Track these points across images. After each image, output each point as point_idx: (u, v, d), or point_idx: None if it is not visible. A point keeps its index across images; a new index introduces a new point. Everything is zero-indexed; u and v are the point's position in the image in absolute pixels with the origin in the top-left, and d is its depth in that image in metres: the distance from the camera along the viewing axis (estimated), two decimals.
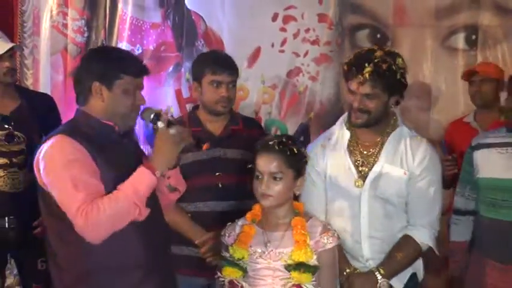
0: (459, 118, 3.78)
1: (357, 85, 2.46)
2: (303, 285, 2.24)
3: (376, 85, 2.43)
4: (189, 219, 2.86)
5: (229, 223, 2.45)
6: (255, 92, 4.21)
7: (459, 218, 2.87)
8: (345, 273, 2.51)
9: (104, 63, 2.25)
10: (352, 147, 2.60)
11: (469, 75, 3.67)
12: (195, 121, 2.95)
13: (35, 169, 2.19)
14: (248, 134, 2.96)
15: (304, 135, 4.17)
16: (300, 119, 4.24)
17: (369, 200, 2.52)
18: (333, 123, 4.05)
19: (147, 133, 4.22)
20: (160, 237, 2.35)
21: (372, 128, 2.55)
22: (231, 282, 2.31)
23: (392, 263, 2.52)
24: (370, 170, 2.54)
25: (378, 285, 2.48)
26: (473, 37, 3.99)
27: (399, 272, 2.54)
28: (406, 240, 2.54)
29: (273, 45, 4.21)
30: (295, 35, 4.20)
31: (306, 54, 4.20)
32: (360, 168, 2.56)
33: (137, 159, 2.29)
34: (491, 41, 3.97)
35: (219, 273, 2.35)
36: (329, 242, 2.31)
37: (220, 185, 2.88)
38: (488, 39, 3.97)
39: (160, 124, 2.23)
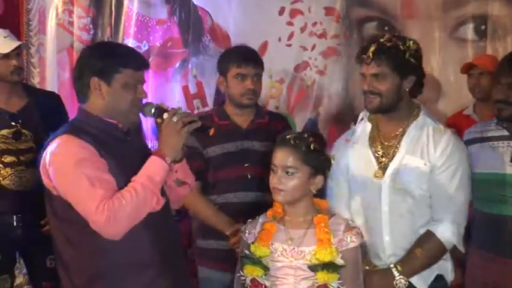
0: (459, 111, 3.76)
1: (365, 66, 2.43)
2: (328, 285, 2.20)
3: (381, 63, 2.40)
4: (217, 211, 2.90)
5: (250, 220, 2.41)
6: (262, 87, 4.14)
7: None
8: (363, 269, 2.41)
9: (101, 58, 2.19)
10: (373, 138, 2.54)
11: (468, 69, 3.66)
12: (222, 115, 3.01)
13: (42, 172, 2.14)
14: (274, 127, 2.98)
15: (313, 130, 4.14)
16: (307, 113, 4.22)
17: (389, 192, 2.45)
18: (342, 117, 4.12)
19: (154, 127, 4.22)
20: (171, 236, 2.31)
21: (392, 117, 2.49)
22: (253, 280, 2.27)
23: (411, 260, 2.43)
24: (390, 161, 2.48)
25: (395, 282, 2.41)
26: (483, 27, 3.94)
27: (419, 270, 2.44)
28: (428, 236, 2.44)
29: (280, 39, 4.20)
30: (302, 29, 4.19)
31: (313, 48, 4.19)
32: (381, 160, 2.50)
33: (143, 156, 2.24)
34: (501, 31, 3.91)
35: (240, 272, 2.30)
36: (352, 241, 2.26)
37: (249, 176, 2.91)
38: (498, 29, 3.92)
39: (165, 115, 2.19)
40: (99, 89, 2.17)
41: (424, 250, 2.43)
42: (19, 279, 4.07)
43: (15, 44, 3.37)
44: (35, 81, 4.46)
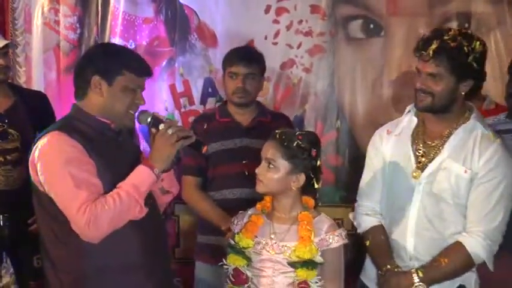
0: None
1: (422, 63, 2.33)
2: (308, 282, 2.23)
3: (440, 64, 2.29)
4: (216, 206, 2.98)
5: (241, 211, 2.45)
6: None
7: None
8: (384, 268, 2.41)
9: (107, 57, 2.22)
10: (417, 135, 2.47)
11: None
12: (224, 112, 3.12)
13: (30, 167, 2.15)
14: (275, 126, 2.92)
15: (299, 127, 4.13)
16: (294, 110, 4.19)
17: (422, 194, 2.41)
18: (328, 114, 4.12)
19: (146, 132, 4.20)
20: (159, 237, 2.35)
21: (440, 117, 2.40)
22: (235, 270, 2.32)
23: (434, 268, 2.36)
24: (430, 162, 2.40)
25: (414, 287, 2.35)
26: (466, 25, 3.95)
27: (441, 280, 2.38)
28: (457, 247, 2.36)
29: (266, 38, 4.17)
30: (288, 27, 4.16)
31: (299, 45, 4.16)
32: (420, 159, 2.43)
33: (134, 157, 2.29)
34: (484, 29, 3.93)
35: (224, 261, 2.35)
36: (334, 241, 2.28)
37: (246, 173, 2.93)
38: (481, 27, 3.94)
39: (161, 126, 2.19)
40: (99, 88, 2.18)
41: (450, 261, 2.36)
42: (5, 279, 4.07)
43: (1, 43, 3.36)
44: (21, 80, 4.40)
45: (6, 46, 3.42)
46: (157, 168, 2.14)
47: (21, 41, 4.42)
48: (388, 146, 2.49)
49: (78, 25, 4.39)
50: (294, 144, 2.28)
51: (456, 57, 2.28)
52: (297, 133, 2.33)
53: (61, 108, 3.70)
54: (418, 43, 2.36)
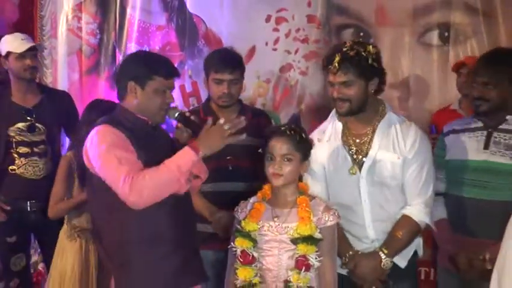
0: (446, 106, 3.84)
1: (332, 76, 2.46)
2: (307, 256, 2.31)
3: (347, 72, 2.42)
4: (203, 198, 2.94)
5: (243, 201, 2.51)
6: (251, 86, 4.24)
7: (434, 198, 2.75)
8: (347, 254, 2.52)
9: (138, 66, 2.37)
10: (346, 137, 2.58)
11: (458, 68, 3.72)
12: (208, 110, 3.04)
13: (84, 155, 2.30)
14: (256, 122, 3.02)
15: (296, 125, 4.21)
16: (291, 110, 4.28)
17: (368, 185, 2.52)
18: (322, 113, 4.17)
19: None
20: (188, 216, 2.46)
21: (360, 116, 2.53)
22: (243, 251, 2.38)
23: (394, 243, 2.50)
24: (364, 157, 2.52)
25: (382, 264, 2.48)
26: (446, 34, 4.04)
27: (401, 250, 2.52)
28: (405, 219, 2.51)
29: (266, 44, 4.26)
30: (287, 35, 4.25)
31: (296, 51, 4.25)
32: (355, 156, 2.54)
33: (169, 148, 2.39)
34: (462, 38, 4.02)
35: (232, 244, 2.42)
36: (330, 220, 2.37)
37: (230, 168, 2.97)
38: (459, 36, 4.02)
39: (221, 120, 2.31)
40: (134, 92, 2.35)
41: (404, 232, 2.50)
42: (34, 258, 4.15)
43: (29, 45, 3.47)
44: (48, 80, 4.52)
45: (34, 48, 3.53)
46: (202, 151, 2.25)
47: (48, 45, 4.56)
48: (323, 153, 2.57)
49: (98, 31, 4.52)
50: (302, 136, 2.39)
51: (358, 62, 2.41)
52: (295, 126, 2.44)
53: (83, 106, 3.76)
54: (323, 61, 2.50)
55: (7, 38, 3.56)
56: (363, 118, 2.55)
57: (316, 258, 2.31)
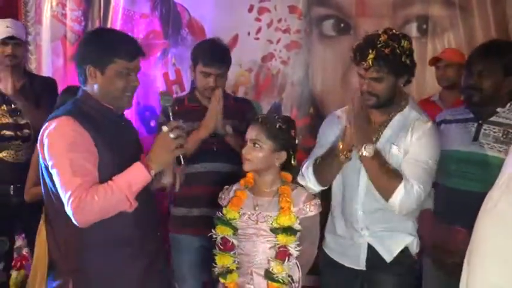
0: (426, 97, 3.79)
1: (363, 71, 2.32)
2: (287, 246, 2.26)
3: (380, 69, 2.29)
4: None
5: (226, 186, 2.46)
6: (233, 75, 4.07)
7: None
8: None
9: (97, 48, 2.09)
10: None
11: (435, 62, 3.69)
12: (193, 99, 3.00)
13: (39, 146, 2.06)
14: (240, 108, 3.02)
15: (277, 113, 4.14)
16: (273, 99, 4.22)
17: (366, 173, 2.39)
18: (302, 102, 4.13)
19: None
20: (151, 219, 2.23)
21: (383, 108, 2.40)
22: (223, 238, 2.33)
23: (381, 156, 2.32)
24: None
25: (364, 146, 2.26)
26: (424, 26, 3.99)
27: (379, 162, 2.30)
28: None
29: (249, 34, 4.19)
30: (269, 25, 4.18)
31: (278, 41, 4.18)
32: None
33: (135, 139, 2.25)
34: (440, 30, 3.97)
35: (213, 231, 2.36)
36: (310, 211, 2.31)
37: (215, 149, 2.90)
38: (437, 28, 3.98)
39: (164, 128, 2.04)
40: (94, 76, 2.09)
41: (390, 166, 2.33)
42: (18, 242, 4.05)
43: (10, 33, 3.37)
44: (32, 66, 4.45)
45: (14, 38, 3.40)
46: (153, 169, 2.01)
47: (32, 31, 4.48)
48: (337, 131, 2.45)
49: (82, 18, 4.41)
50: (276, 126, 2.31)
51: (392, 60, 2.28)
52: (277, 117, 2.38)
53: None
54: (355, 53, 2.33)
55: None
56: (385, 109, 2.42)
57: (295, 248, 2.27)
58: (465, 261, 1.76)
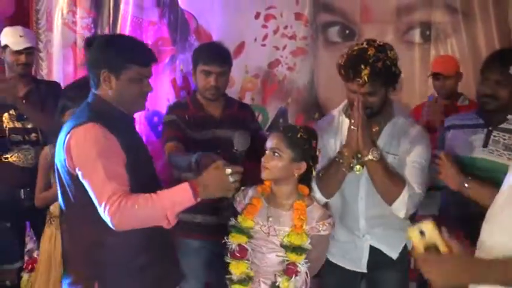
0: (423, 102, 3.79)
1: (358, 87, 2.26)
2: (297, 263, 2.22)
3: (375, 84, 2.25)
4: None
5: (243, 188, 2.36)
6: (240, 81, 4.19)
7: (428, 193, 2.55)
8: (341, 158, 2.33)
9: (112, 54, 2.09)
10: None
11: (435, 75, 3.71)
12: (196, 104, 2.92)
13: (65, 152, 2.01)
14: (242, 116, 2.97)
15: (283, 118, 4.17)
16: (279, 104, 4.23)
17: (366, 183, 2.39)
18: (308, 107, 4.13)
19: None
20: (164, 232, 2.15)
21: (373, 117, 2.37)
22: (240, 245, 2.28)
23: (386, 161, 2.34)
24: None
25: (370, 150, 2.27)
26: (427, 32, 4.00)
27: (384, 167, 2.30)
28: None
29: (255, 40, 4.20)
30: (275, 31, 4.19)
31: (284, 47, 4.19)
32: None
33: (145, 148, 2.23)
34: (442, 36, 3.98)
35: (226, 239, 2.31)
36: (323, 230, 2.27)
37: (218, 151, 2.79)
38: (440, 34, 3.98)
39: (228, 171, 1.98)
40: (108, 81, 2.08)
41: (393, 170, 2.35)
42: (30, 245, 4.06)
43: (26, 45, 3.41)
44: (43, 72, 4.50)
45: (31, 48, 3.45)
46: (201, 196, 1.97)
47: (44, 39, 4.53)
48: (332, 143, 2.43)
49: (92, 26, 4.45)
50: (297, 135, 2.25)
51: (385, 73, 2.25)
52: (299, 127, 2.30)
53: None
54: (347, 71, 2.26)
55: (8, 30, 3.48)
56: (375, 119, 2.39)
57: (304, 265, 2.23)
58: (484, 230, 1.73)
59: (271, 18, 4.18)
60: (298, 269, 2.22)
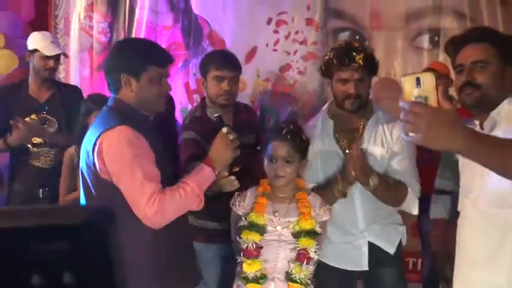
0: None
1: (351, 72, 2.33)
2: (308, 250, 2.25)
3: (365, 70, 2.35)
4: None
5: (237, 192, 2.38)
6: (251, 85, 4.22)
7: (438, 197, 2.62)
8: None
9: (131, 56, 2.10)
10: (337, 133, 2.47)
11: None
12: (206, 113, 2.85)
13: (97, 157, 2.00)
14: (252, 120, 3.00)
15: (291, 120, 4.18)
16: (290, 106, 4.24)
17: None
18: (317, 110, 4.12)
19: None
20: (184, 234, 2.25)
21: (356, 113, 2.43)
22: (254, 243, 2.27)
23: (385, 176, 2.39)
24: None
25: (371, 179, 2.31)
26: (436, 38, 4.02)
27: (387, 186, 2.34)
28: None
29: (267, 45, 4.21)
30: (287, 36, 4.21)
31: (295, 52, 4.20)
32: (347, 151, 2.41)
33: (163, 149, 2.23)
34: None
35: (238, 238, 2.31)
36: (325, 215, 2.33)
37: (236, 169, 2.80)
38: None
39: (224, 129, 2.15)
40: (129, 84, 2.08)
41: (395, 181, 2.39)
42: None
43: (57, 51, 3.44)
44: (61, 75, 4.51)
45: (60, 54, 3.48)
46: (218, 169, 2.12)
47: (61, 43, 4.53)
48: (317, 148, 2.45)
49: (108, 30, 4.47)
50: (302, 137, 2.32)
51: (371, 60, 2.37)
52: (294, 127, 2.33)
53: None
54: (341, 58, 2.33)
55: (36, 35, 3.47)
56: (357, 114, 2.45)
57: (316, 252, 2.26)
58: None
59: (283, 23, 4.19)
60: (310, 255, 2.25)
